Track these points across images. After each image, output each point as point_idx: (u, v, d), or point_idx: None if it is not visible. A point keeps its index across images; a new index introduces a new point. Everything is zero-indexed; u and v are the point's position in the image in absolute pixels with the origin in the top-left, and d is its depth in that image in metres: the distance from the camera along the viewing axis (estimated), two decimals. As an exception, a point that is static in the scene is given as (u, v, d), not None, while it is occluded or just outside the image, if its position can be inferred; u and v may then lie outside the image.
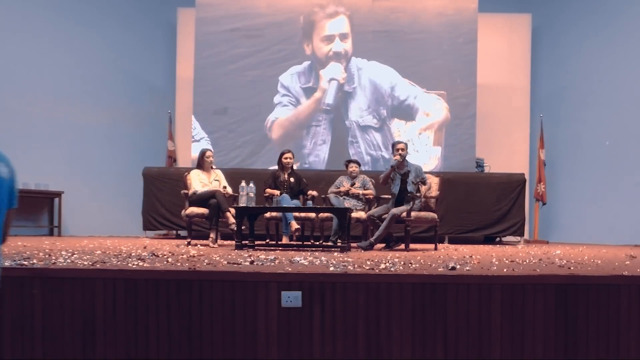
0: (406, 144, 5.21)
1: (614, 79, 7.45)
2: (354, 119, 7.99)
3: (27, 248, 4.07)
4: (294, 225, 5.12)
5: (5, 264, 2.63)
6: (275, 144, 7.95)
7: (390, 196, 5.25)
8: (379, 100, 8.05)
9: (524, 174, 7.12)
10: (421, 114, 8.03)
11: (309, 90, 8.09)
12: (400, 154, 5.04)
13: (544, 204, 7.91)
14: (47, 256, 3.19)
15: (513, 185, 6.91)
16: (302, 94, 8.07)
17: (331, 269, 2.67)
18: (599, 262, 3.48)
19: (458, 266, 2.87)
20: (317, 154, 7.99)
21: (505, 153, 8.44)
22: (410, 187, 5.04)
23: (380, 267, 2.75)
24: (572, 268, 2.89)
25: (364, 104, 8.03)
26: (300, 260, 3.21)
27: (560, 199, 8.17)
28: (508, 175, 7.07)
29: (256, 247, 4.77)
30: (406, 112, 8.09)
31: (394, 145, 5.20)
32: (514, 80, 8.66)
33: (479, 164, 8.05)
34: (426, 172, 5.45)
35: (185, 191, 5.42)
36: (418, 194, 5.03)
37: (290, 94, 8.03)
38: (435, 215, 5.15)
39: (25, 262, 2.71)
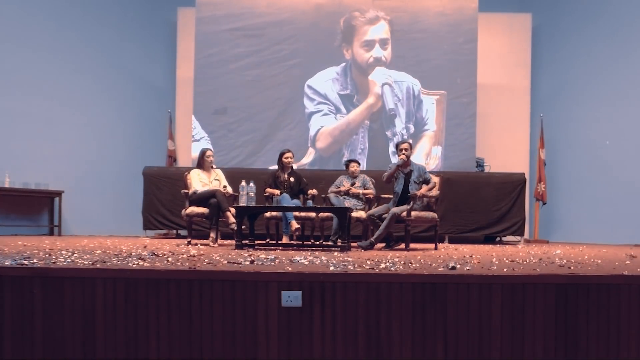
0: (410, 144, 5.23)
1: (614, 79, 7.45)
2: (398, 130, 7.95)
3: (27, 247, 4.07)
4: (294, 224, 5.13)
5: (6, 263, 2.63)
6: (322, 153, 7.93)
7: (391, 196, 5.26)
8: (409, 115, 8.05)
9: (524, 174, 7.12)
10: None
11: (346, 98, 8.05)
12: (405, 154, 5.06)
13: (544, 203, 7.92)
14: (47, 256, 3.19)
15: (513, 185, 6.91)
16: (339, 100, 8.02)
17: (331, 268, 2.67)
18: (599, 261, 3.48)
19: (458, 266, 2.87)
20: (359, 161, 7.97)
21: (506, 153, 8.44)
22: (412, 187, 5.05)
23: (381, 267, 2.75)
24: (572, 268, 2.89)
25: (403, 117, 8.03)
26: (301, 259, 3.21)
27: (560, 199, 8.17)
28: (508, 174, 7.07)
29: (256, 247, 4.77)
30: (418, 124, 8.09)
31: (397, 145, 5.22)
32: (514, 80, 8.66)
33: (479, 164, 8.05)
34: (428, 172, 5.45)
35: (186, 191, 5.42)
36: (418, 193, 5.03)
37: (328, 101, 7.98)
38: (435, 215, 5.15)
39: (26, 262, 2.71)
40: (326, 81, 8.05)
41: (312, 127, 8.04)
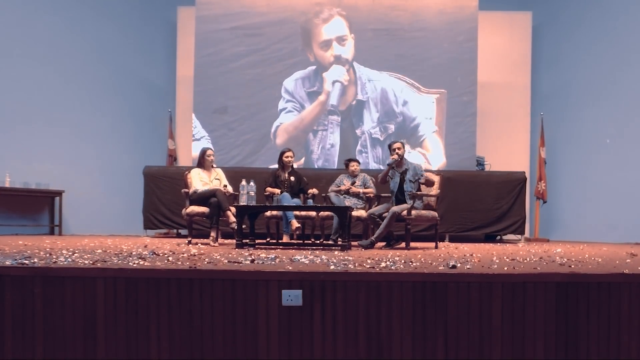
0: (403, 143, 5.23)
1: (614, 77, 7.44)
2: (367, 129, 7.97)
3: (28, 247, 4.08)
4: (295, 224, 5.13)
5: (7, 262, 2.64)
6: (280, 148, 7.95)
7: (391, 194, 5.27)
8: (387, 114, 8.04)
9: (524, 172, 7.11)
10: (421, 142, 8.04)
11: (313, 95, 8.10)
12: (397, 154, 5.06)
13: (544, 202, 7.92)
14: (48, 255, 3.19)
15: (514, 184, 6.91)
16: (307, 98, 8.08)
17: (332, 267, 2.67)
18: (600, 260, 3.48)
19: (459, 264, 2.87)
20: (327, 157, 8.00)
21: (506, 151, 8.44)
22: (407, 185, 5.05)
23: (381, 266, 2.75)
24: (572, 266, 2.89)
25: (374, 116, 8.03)
26: (301, 259, 3.21)
27: (560, 197, 8.17)
28: (508, 173, 7.07)
29: (257, 246, 4.77)
30: (410, 134, 8.06)
31: (390, 145, 5.22)
32: (514, 79, 8.65)
33: (480, 162, 8.05)
34: (427, 171, 5.45)
35: (186, 190, 5.43)
36: (418, 192, 5.03)
37: (294, 99, 8.03)
38: (435, 214, 5.15)
39: (26, 261, 2.71)
40: (296, 80, 8.10)
41: (275, 124, 8.11)
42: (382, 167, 7.84)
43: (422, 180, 5.07)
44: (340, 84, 7.99)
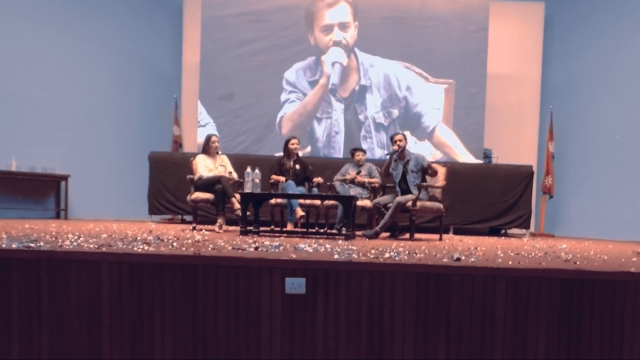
0: (404, 135, 5.21)
1: (627, 72, 7.33)
2: (370, 114, 7.94)
3: (34, 230, 4.11)
4: (299, 212, 5.13)
5: (13, 246, 2.65)
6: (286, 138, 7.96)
7: (396, 185, 5.26)
8: (391, 99, 7.99)
9: (531, 166, 7.06)
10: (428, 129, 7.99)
11: (315, 84, 8.06)
12: (398, 145, 5.05)
13: (551, 197, 7.87)
14: (54, 239, 3.21)
15: (520, 177, 6.86)
16: (309, 88, 8.04)
17: (335, 256, 2.66)
18: (606, 257, 3.46)
19: (463, 257, 2.86)
20: (333, 145, 7.98)
21: (514, 144, 8.38)
22: (409, 176, 5.03)
23: (385, 256, 2.74)
24: (578, 263, 2.87)
25: (378, 101, 7.99)
26: (305, 247, 3.21)
27: (567, 193, 8.11)
28: (516, 167, 7.02)
29: (261, 233, 4.78)
30: (414, 121, 8.02)
31: (391, 137, 5.21)
32: (524, 71, 8.55)
33: (487, 155, 8.00)
34: (433, 162, 5.42)
35: (191, 176, 5.43)
36: (424, 183, 5.01)
37: (296, 89, 8.01)
38: (440, 206, 5.13)
39: (33, 245, 2.73)
40: (297, 70, 8.06)
41: (279, 115, 8.10)
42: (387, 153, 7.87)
43: (425, 164, 5.04)
44: (339, 65, 7.96)
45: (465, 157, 7.92)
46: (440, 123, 8.00)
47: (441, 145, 7.99)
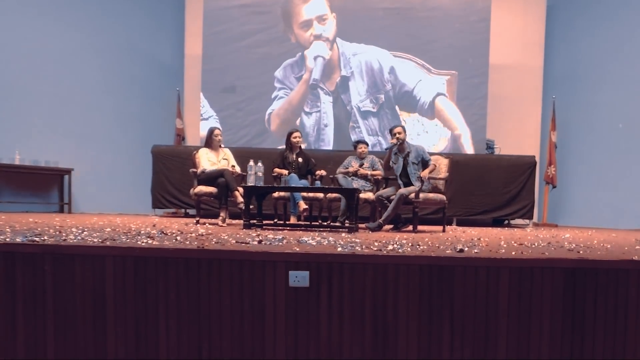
0: (403, 127, 5.19)
1: (629, 61, 7.28)
2: (355, 104, 7.94)
3: (38, 224, 4.12)
4: (302, 205, 5.13)
5: (17, 240, 2.67)
6: (275, 135, 7.96)
7: (400, 177, 5.25)
8: (376, 85, 7.97)
9: (534, 157, 7.04)
10: (425, 105, 7.94)
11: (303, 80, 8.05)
12: (397, 137, 5.03)
13: (554, 187, 7.85)
14: (57, 233, 3.23)
15: (523, 168, 6.85)
16: (297, 83, 8.03)
17: (339, 249, 2.67)
18: (609, 246, 3.46)
19: (466, 248, 2.86)
20: (323, 138, 7.99)
21: (516, 135, 8.35)
22: (411, 168, 5.02)
23: (388, 248, 2.75)
24: (581, 252, 2.87)
25: (362, 89, 7.98)
26: (308, 240, 3.22)
27: (570, 182, 8.10)
28: (518, 157, 7.00)
29: (264, 227, 4.79)
30: (407, 101, 8.00)
31: (391, 130, 5.19)
32: (527, 61, 8.50)
33: (489, 146, 7.98)
34: (436, 154, 5.41)
35: (194, 170, 5.43)
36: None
37: (285, 86, 8.00)
38: (443, 197, 5.13)
39: (37, 239, 2.74)
40: (284, 67, 8.05)
41: (267, 112, 8.10)
42: (379, 139, 7.88)
43: (426, 157, 5.03)
44: (322, 59, 7.95)
45: (465, 134, 7.89)
46: (441, 97, 7.95)
47: (445, 120, 7.97)
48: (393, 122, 7.79)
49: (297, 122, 8.01)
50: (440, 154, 6.40)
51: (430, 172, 5.00)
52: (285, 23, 8.03)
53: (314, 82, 7.95)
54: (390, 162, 5.15)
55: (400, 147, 5.09)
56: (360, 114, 7.95)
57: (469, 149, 7.94)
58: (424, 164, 5.05)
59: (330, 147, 7.90)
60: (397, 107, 7.98)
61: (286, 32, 8.03)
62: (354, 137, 7.75)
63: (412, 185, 4.97)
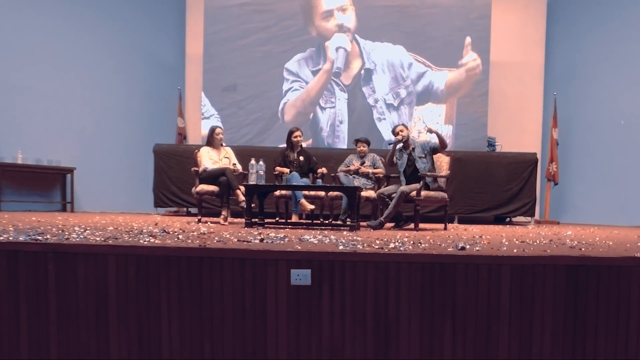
0: (405, 125, 5.21)
1: (630, 57, 7.26)
2: (381, 96, 7.93)
3: (41, 223, 4.14)
4: (308, 206, 5.12)
5: (20, 238, 2.68)
6: (289, 126, 7.94)
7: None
8: (397, 80, 7.98)
9: (535, 154, 7.03)
10: (440, 89, 7.97)
11: (318, 72, 8.03)
12: (401, 135, 5.05)
13: (555, 184, 7.84)
14: (60, 231, 3.24)
15: (525, 165, 6.84)
16: (312, 76, 8.02)
17: (340, 247, 2.67)
18: (611, 243, 3.45)
19: (468, 246, 2.86)
20: (337, 134, 7.98)
21: (518, 132, 8.34)
22: (419, 163, 5.03)
23: (390, 247, 2.75)
24: (583, 249, 2.87)
25: (385, 82, 7.98)
26: (310, 238, 3.22)
27: (572, 179, 8.08)
28: (520, 154, 6.99)
29: (266, 225, 4.80)
30: (427, 92, 8.02)
31: (393, 131, 5.21)
32: (527, 57, 8.48)
33: (491, 143, 7.96)
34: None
35: (196, 168, 5.44)
36: (428, 173, 5.00)
37: (300, 79, 7.98)
38: (445, 195, 5.13)
39: (40, 237, 2.75)
40: (299, 60, 8.03)
41: (282, 103, 8.09)
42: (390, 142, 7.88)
43: (435, 145, 5.02)
44: (343, 50, 7.94)
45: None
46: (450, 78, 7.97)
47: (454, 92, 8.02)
48: (409, 118, 7.85)
49: (311, 116, 8.00)
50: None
51: (441, 139, 4.99)
52: (306, 16, 8.01)
53: (337, 71, 7.93)
54: (395, 158, 5.16)
55: (405, 143, 5.12)
56: (386, 106, 7.97)
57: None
58: (434, 151, 5.06)
59: (344, 145, 7.89)
60: (416, 106, 7.99)
61: (306, 26, 8.00)
62: (381, 129, 7.74)
63: (417, 182, 4.97)
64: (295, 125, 6.00)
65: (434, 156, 5.18)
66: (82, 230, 3.43)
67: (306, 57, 8.02)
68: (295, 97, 8.03)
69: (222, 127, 5.89)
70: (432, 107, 7.97)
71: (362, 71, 7.96)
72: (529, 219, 7.14)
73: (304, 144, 5.98)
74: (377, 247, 2.74)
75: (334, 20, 7.97)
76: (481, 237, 3.87)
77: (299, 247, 2.63)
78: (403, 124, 5.27)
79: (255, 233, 3.66)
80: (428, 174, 4.97)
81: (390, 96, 7.94)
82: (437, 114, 8.00)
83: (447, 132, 7.99)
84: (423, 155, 5.05)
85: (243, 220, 4.79)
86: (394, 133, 5.15)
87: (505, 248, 2.84)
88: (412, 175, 5.08)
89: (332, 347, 2.46)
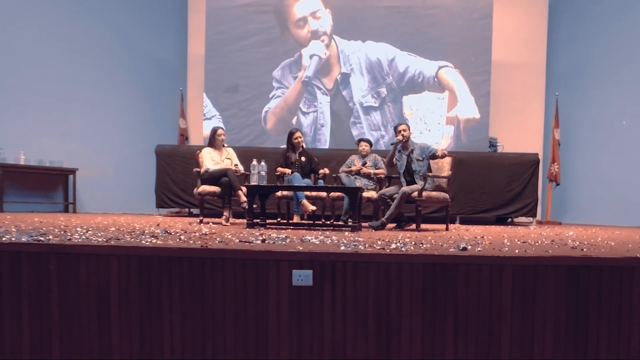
0: (408, 125, 5.19)
1: (632, 56, 7.24)
2: (357, 100, 7.94)
3: (43, 224, 4.15)
4: (310, 207, 5.12)
5: (23, 239, 2.68)
6: (271, 134, 7.97)
7: (401, 176, 5.25)
8: (377, 79, 7.97)
9: (537, 154, 7.03)
10: (431, 81, 7.95)
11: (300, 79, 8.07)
12: (402, 135, 5.03)
13: (557, 184, 7.83)
14: (62, 232, 3.24)
15: (526, 166, 6.83)
16: (294, 82, 8.05)
17: (342, 248, 2.67)
18: (613, 243, 3.45)
19: (469, 247, 2.86)
20: (319, 137, 8.01)
21: (519, 132, 8.33)
22: (415, 165, 5.02)
23: (391, 247, 2.75)
24: (584, 250, 2.86)
25: (363, 85, 7.98)
26: (312, 239, 3.22)
27: (574, 180, 8.07)
28: (521, 155, 6.99)
29: (267, 226, 4.80)
30: (412, 85, 8.02)
31: (395, 128, 5.19)
32: (529, 58, 8.48)
33: (492, 144, 7.96)
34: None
35: (198, 169, 5.45)
36: (429, 173, 5.00)
37: (282, 85, 8.01)
38: (446, 195, 5.12)
39: (42, 238, 2.76)
40: (282, 67, 8.08)
41: (264, 110, 8.13)
42: (382, 134, 7.89)
43: (434, 151, 5.00)
44: (317, 58, 7.97)
45: (470, 103, 7.88)
46: (445, 69, 7.94)
47: (454, 91, 7.99)
48: (395, 116, 7.81)
49: (294, 121, 8.01)
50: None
51: (443, 155, 4.97)
52: (281, 25, 8.05)
53: (306, 79, 7.95)
54: (394, 159, 5.15)
55: (404, 144, 5.10)
56: (362, 110, 7.97)
57: (476, 114, 7.93)
58: (433, 157, 5.04)
59: (326, 146, 7.90)
60: (404, 97, 7.97)
61: (283, 34, 8.04)
62: (355, 133, 7.76)
63: (416, 183, 4.96)
64: (280, 134, 6.02)
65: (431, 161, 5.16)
66: (84, 231, 3.43)
67: (290, 64, 8.07)
68: (274, 105, 8.07)
69: (224, 128, 5.90)
70: (429, 95, 7.95)
71: (339, 76, 7.98)
72: (530, 219, 7.13)
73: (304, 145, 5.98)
74: (378, 247, 2.74)
75: (307, 27, 8.00)
76: (483, 237, 3.87)
77: (301, 248, 2.63)
78: (406, 123, 5.24)
79: (257, 234, 3.66)
80: (429, 174, 4.96)
81: (370, 97, 7.94)
82: (438, 105, 7.99)
83: (448, 132, 7.99)
84: (421, 159, 5.04)
85: (245, 220, 4.79)
86: (396, 131, 5.13)
87: (507, 248, 2.84)
88: (412, 176, 5.06)
89: (333, 347, 2.46)
